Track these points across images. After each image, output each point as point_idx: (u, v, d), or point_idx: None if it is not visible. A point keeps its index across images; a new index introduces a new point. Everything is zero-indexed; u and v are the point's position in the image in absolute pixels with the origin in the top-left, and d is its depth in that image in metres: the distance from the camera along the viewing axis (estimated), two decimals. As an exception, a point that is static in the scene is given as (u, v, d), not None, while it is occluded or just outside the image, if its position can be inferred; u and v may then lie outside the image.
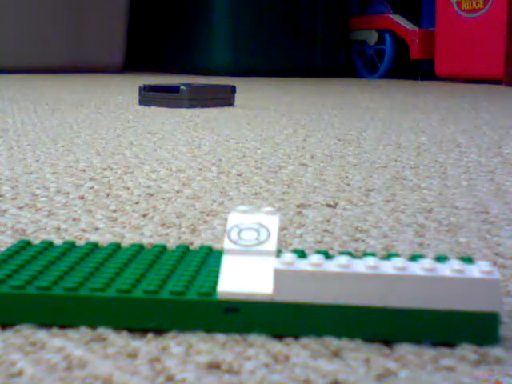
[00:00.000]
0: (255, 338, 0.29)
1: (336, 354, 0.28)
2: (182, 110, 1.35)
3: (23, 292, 0.30)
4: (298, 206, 0.54)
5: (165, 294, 0.30)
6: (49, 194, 0.57)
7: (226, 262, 0.31)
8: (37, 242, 0.43)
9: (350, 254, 0.34)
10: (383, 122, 1.20)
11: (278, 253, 0.32)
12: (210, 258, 0.35)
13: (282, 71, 3.09)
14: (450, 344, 0.29)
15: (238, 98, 1.71)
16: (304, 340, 0.29)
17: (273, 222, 0.32)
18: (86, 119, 1.16)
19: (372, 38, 3.09)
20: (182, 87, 1.40)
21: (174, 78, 2.60)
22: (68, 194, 0.57)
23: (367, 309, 0.29)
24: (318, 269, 0.29)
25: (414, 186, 0.63)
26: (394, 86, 2.43)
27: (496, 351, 0.28)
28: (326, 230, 0.47)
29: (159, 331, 0.30)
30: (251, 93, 1.92)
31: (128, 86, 2.12)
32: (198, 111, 1.34)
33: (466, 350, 0.28)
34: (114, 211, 0.52)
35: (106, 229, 0.47)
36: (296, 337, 0.29)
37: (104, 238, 0.44)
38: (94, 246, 0.36)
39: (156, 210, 0.52)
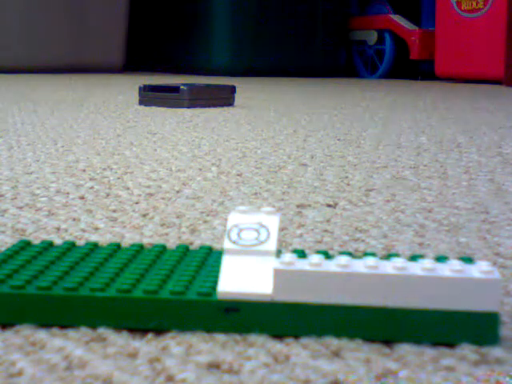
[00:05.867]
0: (255, 338, 0.29)
1: (336, 353, 0.28)
2: (182, 110, 1.35)
3: (23, 292, 0.30)
4: (297, 206, 0.54)
5: (165, 293, 0.30)
6: (49, 194, 0.57)
7: (226, 262, 0.31)
8: (37, 242, 0.43)
9: (350, 253, 0.34)
10: (383, 122, 1.20)
11: (278, 253, 0.32)
12: (210, 257, 0.35)
13: (282, 71, 3.09)
14: (450, 344, 0.29)
15: (238, 97, 1.71)
16: (304, 340, 0.29)
17: (273, 222, 0.32)
18: (85, 119, 1.16)
19: (372, 37, 3.09)
20: (182, 87, 1.40)
21: (174, 78, 2.60)
22: (68, 194, 0.57)
23: (367, 309, 0.29)
24: (318, 269, 0.29)
25: (414, 185, 0.63)
26: (394, 86, 2.43)
27: (496, 351, 0.28)
28: (325, 230, 0.47)
29: (159, 331, 0.30)
30: (251, 93, 1.92)
31: (128, 86, 2.12)
32: (197, 111, 1.34)
33: (466, 350, 0.28)
34: (114, 211, 0.52)
35: (106, 229, 0.47)
36: (296, 337, 0.29)
37: (104, 238, 0.44)
38: (93, 246, 0.36)
39: (156, 209, 0.52)
